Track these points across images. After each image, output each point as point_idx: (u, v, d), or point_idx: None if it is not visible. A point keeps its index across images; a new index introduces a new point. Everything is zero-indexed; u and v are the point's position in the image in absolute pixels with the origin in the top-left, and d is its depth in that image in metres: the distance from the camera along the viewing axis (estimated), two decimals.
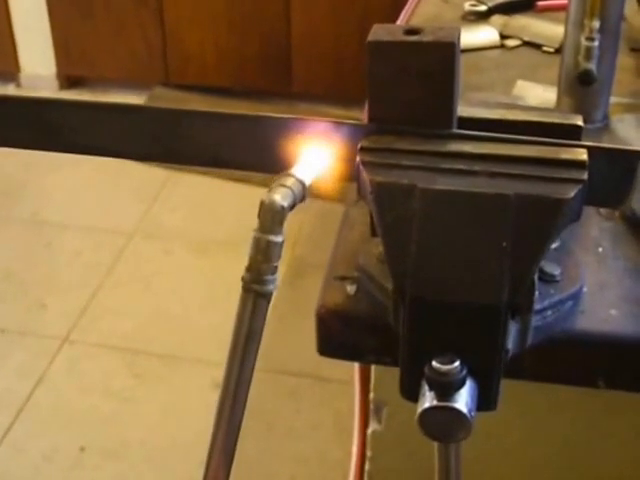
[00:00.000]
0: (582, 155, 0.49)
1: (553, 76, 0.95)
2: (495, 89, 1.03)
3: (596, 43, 0.86)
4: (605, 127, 0.91)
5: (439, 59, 0.49)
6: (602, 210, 0.77)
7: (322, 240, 2.23)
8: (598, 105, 0.91)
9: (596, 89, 0.90)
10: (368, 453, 0.86)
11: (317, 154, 0.50)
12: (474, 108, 0.54)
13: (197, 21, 3.11)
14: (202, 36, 3.13)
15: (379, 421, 0.84)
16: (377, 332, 0.65)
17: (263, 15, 3.05)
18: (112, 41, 3.20)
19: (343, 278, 0.68)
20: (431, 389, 0.47)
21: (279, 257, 0.46)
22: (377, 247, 0.65)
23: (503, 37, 1.16)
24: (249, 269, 0.45)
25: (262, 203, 0.46)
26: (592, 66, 0.86)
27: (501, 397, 0.50)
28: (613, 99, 0.93)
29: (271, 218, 0.45)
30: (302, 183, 0.48)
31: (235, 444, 0.47)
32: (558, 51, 1.06)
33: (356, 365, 0.86)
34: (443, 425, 0.47)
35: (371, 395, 0.84)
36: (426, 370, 0.47)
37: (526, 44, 1.15)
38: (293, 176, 0.48)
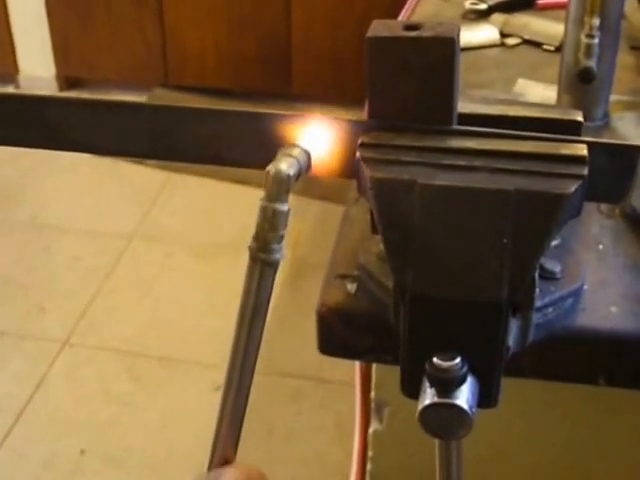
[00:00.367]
0: (582, 150, 0.49)
1: (553, 74, 0.95)
2: (495, 88, 1.03)
3: (596, 40, 0.86)
4: (605, 125, 0.91)
5: (439, 54, 0.49)
6: (602, 208, 0.77)
7: (323, 241, 2.23)
8: (598, 103, 0.91)
9: (596, 87, 0.90)
10: (370, 453, 0.86)
11: (320, 132, 0.51)
12: (474, 104, 0.54)
13: (197, 22, 3.11)
14: (202, 37, 3.13)
15: (380, 421, 0.84)
16: (378, 330, 0.65)
17: (263, 16, 3.05)
18: (111, 42, 3.20)
19: (343, 276, 0.68)
20: (432, 386, 0.47)
21: (285, 226, 0.46)
22: (377, 245, 0.65)
23: (503, 35, 1.16)
24: (256, 238, 0.46)
25: (268, 172, 0.46)
26: (592, 63, 0.86)
27: (502, 395, 0.50)
28: (613, 97, 0.93)
29: (277, 187, 0.46)
30: (307, 153, 0.49)
31: (243, 416, 0.48)
32: (558, 49, 1.06)
33: (357, 364, 0.86)
34: (444, 422, 0.47)
35: (372, 394, 0.84)
36: (427, 367, 0.47)
37: (526, 42, 1.15)
38: (298, 146, 0.49)
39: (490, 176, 0.48)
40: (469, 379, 0.47)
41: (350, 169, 0.51)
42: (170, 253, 2.52)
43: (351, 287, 0.67)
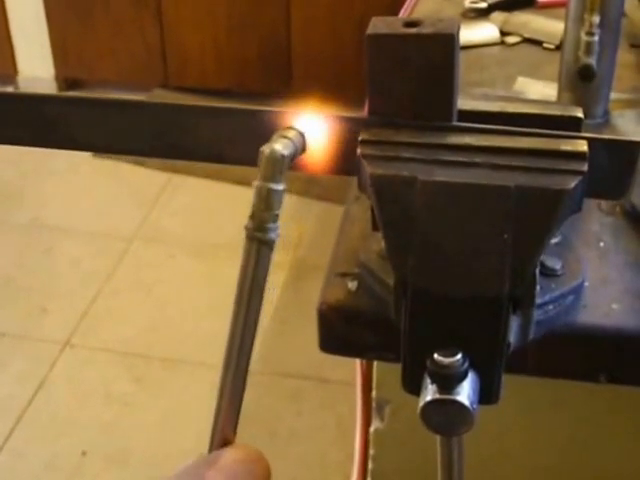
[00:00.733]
0: (582, 146, 0.49)
1: (553, 73, 0.95)
2: (495, 86, 1.03)
3: (596, 38, 0.86)
4: (606, 123, 0.91)
5: (439, 51, 0.49)
6: (603, 205, 0.77)
7: (324, 242, 2.23)
8: (598, 101, 0.91)
9: (596, 85, 0.90)
10: (371, 451, 0.86)
11: (320, 129, 0.51)
12: (474, 101, 0.54)
13: (196, 23, 3.11)
14: (201, 38, 3.13)
15: (382, 419, 0.84)
16: (379, 328, 0.65)
17: (263, 17, 3.05)
18: (111, 43, 3.20)
19: (344, 274, 0.68)
20: (433, 382, 0.47)
21: (280, 205, 0.46)
22: (378, 243, 0.65)
23: (503, 34, 1.16)
24: (252, 217, 0.46)
25: (262, 152, 0.47)
26: (592, 61, 0.86)
27: (503, 392, 0.50)
28: (613, 95, 0.93)
29: (272, 167, 0.46)
30: (302, 135, 0.49)
31: (242, 396, 0.48)
32: (558, 48, 1.06)
33: (357, 363, 0.86)
34: (445, 418, 0.47)
35: (373, 393, 0.84)
36: (428, 363, 0.47)
37: (526, 41, 1.15)
38: (294, 128, 0.49)
39: (490, 172, 0.48)
40: (470, 375, 0.47)
41: (350, 166, 0.51)
42: (171, 254, 2.52)
43: (352, 285, 0.67)
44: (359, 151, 0.50)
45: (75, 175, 2.86)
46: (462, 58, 0.51)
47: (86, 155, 2.85)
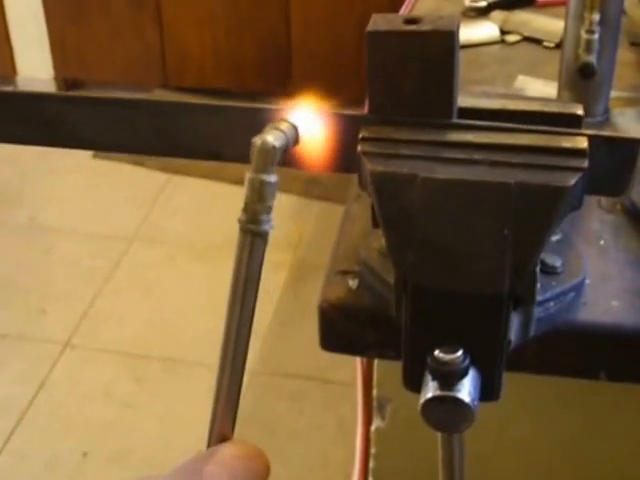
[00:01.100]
0: (582, 143, 0.49)
1: (553, 71, 0.95)
2: (495, 84, 1.03)
3: (596, 36, 0.86)
4: (606, 121, 0.91)
5: (439, 48, 0.49)
6: (603, 203, 0.77)
7: (324, 242, 2.23)
8: (599, 99, 0.91)
9: (596, 83, 0.90)
10: (372, 450, 0.86)
11: (320, 126, 0.51)
12: (474, 98, 0.54)
13: (195, 23, 3.11)
14: (201, 38, 3.13)
15: (383, 418, 0.84)
16: (379, 326, 0.65)
17: (262, 17, 3.05)
18: (110, 44, 3.20)
19: (345, 272, 0.68)
20: (434, 379, 0.47)
21: (273, 197, 0.47)
22: (378, 241, 0.65)
23: (503, 32, 1.16)
24: (245, 210, 0.46)
25: (254, 144, 0.47)
26: (592, 59, 0.86)
27: (504, 389, 0.50)
28: (613, 93, 0.93)
29: (264, 158, 0.47)
30: (295, 127, 0.50)
31: (239, 391, 0.49)
32: (558, 46, 1.06)
33: (358, 361, 0.86)
34: (446, 415, 0.47)
35: (374, 392, 0.84)
36: (429, 360, 0.47)
37: (526, 39, 1.15)
38: (287, 121, 0.50)
39: (491, 169, 0.48)
40: (471, 372, 0.47)
41: (351, 163, 0.51)
42: (171, 254, 2.52)
43: (352, 283, 0.67)
44: (359, 148, 0.50)
45: (75, 175, 2.85)
46: (462, 57, 0.51)
47: (86, 155, 2.85)
